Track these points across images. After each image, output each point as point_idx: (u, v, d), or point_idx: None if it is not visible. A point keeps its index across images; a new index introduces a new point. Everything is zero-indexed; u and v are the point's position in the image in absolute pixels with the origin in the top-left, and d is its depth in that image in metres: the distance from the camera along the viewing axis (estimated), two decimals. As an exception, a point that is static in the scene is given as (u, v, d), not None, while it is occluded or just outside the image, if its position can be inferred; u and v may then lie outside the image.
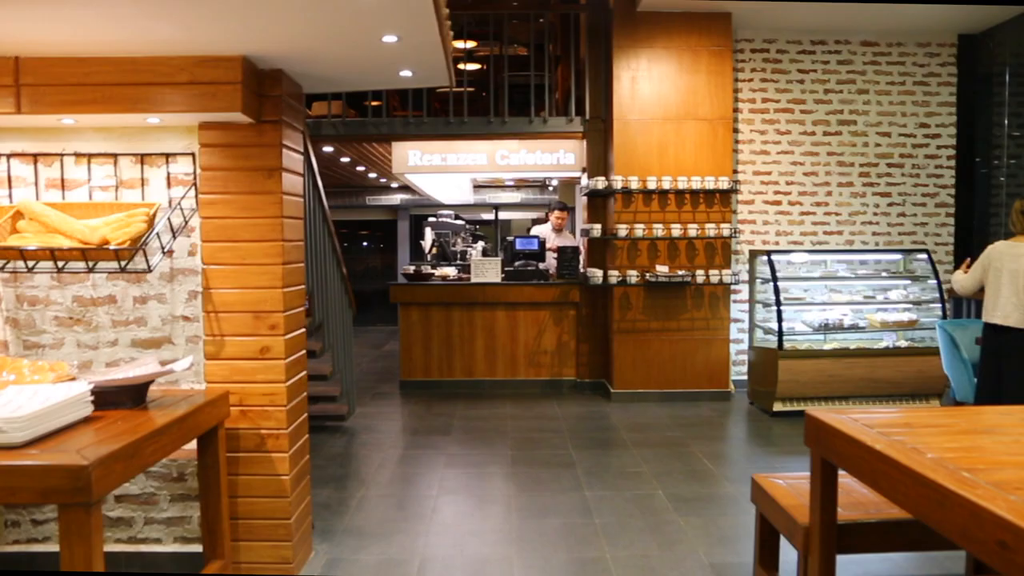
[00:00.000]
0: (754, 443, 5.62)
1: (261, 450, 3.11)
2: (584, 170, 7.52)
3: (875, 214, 7.38)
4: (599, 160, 7.32)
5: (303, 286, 3.35)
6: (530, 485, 4.54)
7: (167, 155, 3.07)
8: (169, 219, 2.92)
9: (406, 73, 3.19)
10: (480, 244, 10.59)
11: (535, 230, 8.61)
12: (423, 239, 9.69)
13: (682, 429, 5.83)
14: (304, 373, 3.35)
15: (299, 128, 3.30)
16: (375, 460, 5.05)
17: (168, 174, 3.08)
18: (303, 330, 3.34)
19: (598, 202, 7.36)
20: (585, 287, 7.21)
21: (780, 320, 6.11)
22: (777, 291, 6.19)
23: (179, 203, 2.99)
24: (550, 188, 12.57)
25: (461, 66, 9.45)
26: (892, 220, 7.39)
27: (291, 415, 3.16)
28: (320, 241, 5.01)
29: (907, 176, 7.36)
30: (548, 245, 7.77)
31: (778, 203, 7.30)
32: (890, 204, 7.37)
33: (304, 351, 3.34)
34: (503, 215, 15.62)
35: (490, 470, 4.82)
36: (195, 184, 3.05)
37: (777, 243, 7.29)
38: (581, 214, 7.90)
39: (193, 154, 3.06)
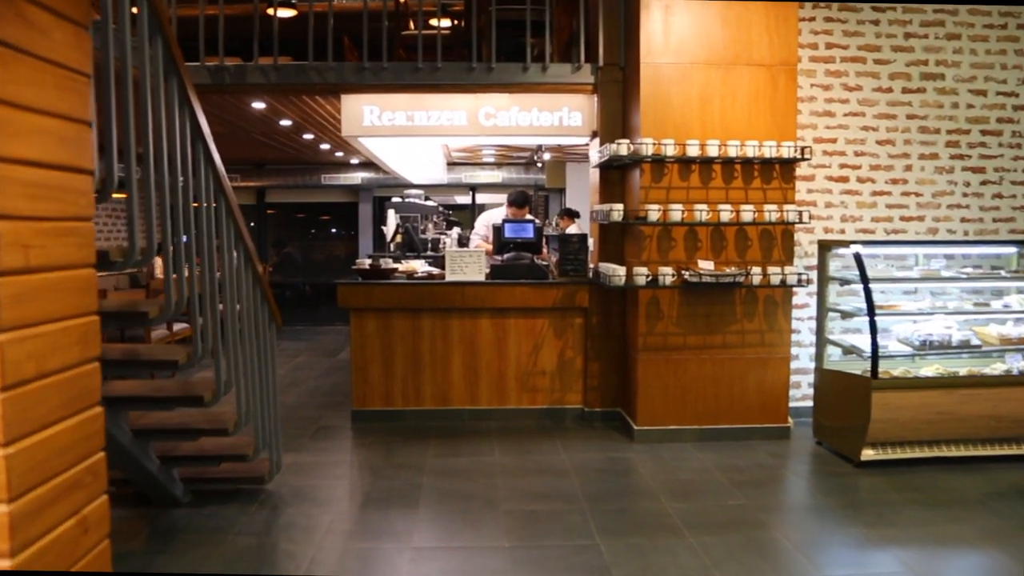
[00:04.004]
0: (855, 517, 3.87)
1: None
2: (595, 134, 5.76)
3: (964, 195, 5.75)
4: (615, 120, 5.56)
5: (62, 321, 1.54)
6: (546, 623, 2.81)
7: None
8: None
9: None
10: (455, 231, 8.80)
11: (492, 215, 6.85)
12: (386, 224, 7.90)
13: (745, 492, 4.13)
14: (71, 523, 1.55)
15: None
16: (300, 565, 3.27)
17: None
18: (59, 426, 1.54)
19: (614, 176, 5.60)
20: (597, 288, 5.47)
21: (875, 336, 4.44)
22: (870, 298, 4.51)
23: None
24: (538, 165, 10.76)
25: (434, 21, 7.63)
26: (986, 203, 5.76)
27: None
28: (211, 223, 3.19)
29: (1006, 147, 5.74)
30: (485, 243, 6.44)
31: (845, 179, 5.62)
32: (983, 182, 5.75)
33: (73, 468, 1.54)
34: (481, 197, 13.78)
35: (480, 587, 3.07)
36: None
37: (843, 231, 5.63)
38: (590, 195, 6.14)
39: None
